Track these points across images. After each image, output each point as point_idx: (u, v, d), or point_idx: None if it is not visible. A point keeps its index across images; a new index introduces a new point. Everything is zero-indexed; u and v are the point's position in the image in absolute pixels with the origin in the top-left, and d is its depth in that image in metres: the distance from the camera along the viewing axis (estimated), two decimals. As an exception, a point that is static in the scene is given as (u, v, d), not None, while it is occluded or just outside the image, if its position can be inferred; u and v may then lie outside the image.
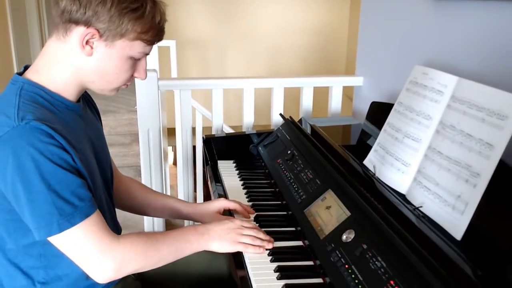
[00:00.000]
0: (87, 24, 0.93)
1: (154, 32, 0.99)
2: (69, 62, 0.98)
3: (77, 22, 0.94)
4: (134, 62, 1.02)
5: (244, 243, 1.08)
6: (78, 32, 0.95)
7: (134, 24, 0.95)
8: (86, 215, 0.92)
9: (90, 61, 0.98)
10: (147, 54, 1.03)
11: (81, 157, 0.96)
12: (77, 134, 1.01)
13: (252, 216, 1.28)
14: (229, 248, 1.08)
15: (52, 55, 0.99)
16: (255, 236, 1.10)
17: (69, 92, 1.01)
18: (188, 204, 1.36)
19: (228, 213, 1.31)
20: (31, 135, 0.87)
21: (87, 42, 0.95)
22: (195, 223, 1.32)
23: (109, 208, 1.16)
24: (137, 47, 0.98)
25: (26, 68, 1.03)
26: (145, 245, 0.99)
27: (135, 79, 1.08)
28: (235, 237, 1.08)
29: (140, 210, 1.35)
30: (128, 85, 1.08)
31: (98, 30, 0.94)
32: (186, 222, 2.52)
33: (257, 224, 1.24)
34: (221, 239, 1.08)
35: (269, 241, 1.11)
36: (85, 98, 1.15)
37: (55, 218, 0.89)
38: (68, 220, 0.90)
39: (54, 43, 0.99)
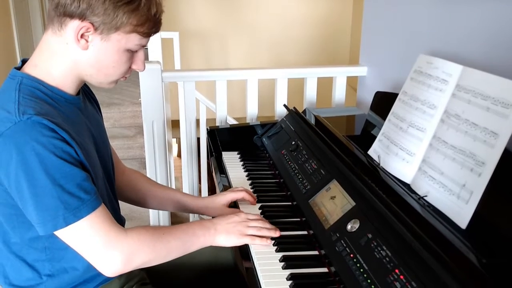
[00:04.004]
0: (82, 17, 0.92)
1: (150, 24, 0.98)
2: (66, 56, 0.97)
3: (71, 16, 0.93)
4: (132, 54, 1.01)
5: (250, 235, 1.09)
6: (73, 25, 0.94)
7: (129, 17, 0.94)
8: (93, 208, 0.92)
9: (87, 54, 0.97)
10: (144, 46, 1.02)
11: (83, 151, 0.96)
12: (78, 127, 1.01)
13: (257, 207, 1.29)
14: (236, 241, 1.08)
15: (49, 49, 0.98)
16: (261, 227, 1.11)
17: (68, 86, 1.01)
18: (194, 197, 1.36)
19: (234, 204, 1.32)
20: (34, 130, 0.87)
21: (82, 36, 0.94)
22: (201, 216, 1.33)
23: (111, 201, 1.16)
24: (133, 39, 0.97)
25: (23, 61, 1.03)
26: (153, 237, 0.99)
27: (138, 71, 1.08)
28: (241, 230, 1.09)
29: (143, 202, 1.36)
30: (127, 78, 1.07)
31: (92, 24, 0.93)
32: (191, 215, 2.53)
33: (262, 215, 1.24)
34: (228, 233, 1.08)
35: (275, 231, 1.11)
36: (84, 91, 1.14)
37: (61, 212, 0.89)
38: (74, 213, 0.90)
39: (50, 37, 0.98)
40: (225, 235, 1.08)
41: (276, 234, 1.11)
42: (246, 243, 1.09)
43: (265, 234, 1.10)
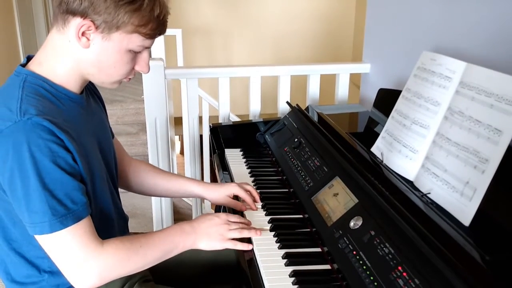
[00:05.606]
0: (84, 15, 0.92)
1: (153, 25, 0.96)
2: (69, 54, 0.97)
3: (74, 13, 0.92)
4: (134, 55, 1.00)
5: (232, 239, 1.08)
6: (75, 23, 0.93)
7: (130, 16, 0.93)
8: (78, 219, 0.92)
9: (88, 53, 0.96)
10: (148, 47, 1.01)
11: (82, 152, 0.96)
12: (79, 127, 1.00)
13: (260, 204, 1.29)
14: (218, 246, 1.08)
15: (53, 47, 0.98)
16: (242, 228, 1.11)
17: (72, 84, 1.00)
18: (200, 183, 1.35)
19: (236, 197, 1.32)
20: (33, 131, 0.87)
21: (83, 34, 0.94)
22: (204, 209, 1.33)
23: (114, 199, 1.16)
24: (136, 40, 0.96)
25: (28, 58, 1.02)
26: (129, 251, 0.98)
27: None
28: (223, 234, 1.08)
29: (151, 192, 1.36)
30: (131, 79, 1.05)
31: (93, 22, 0.92)
32: (193, 209, 2.53)
33: (265, 212, 1.25)
34: (209, 237, 1.07)
35: (256, 231, 1.12)
36: (89, 88, 1.13)
37: (48, 217, 0.89)
38: (60, 221, 0.89)
39: (55, 35, 0.97)
40: (206, 240, 1.07)
41: (257, 234, 1.12)
42: (228, 247, 1.09)
43: (246, 235, 1.10)
